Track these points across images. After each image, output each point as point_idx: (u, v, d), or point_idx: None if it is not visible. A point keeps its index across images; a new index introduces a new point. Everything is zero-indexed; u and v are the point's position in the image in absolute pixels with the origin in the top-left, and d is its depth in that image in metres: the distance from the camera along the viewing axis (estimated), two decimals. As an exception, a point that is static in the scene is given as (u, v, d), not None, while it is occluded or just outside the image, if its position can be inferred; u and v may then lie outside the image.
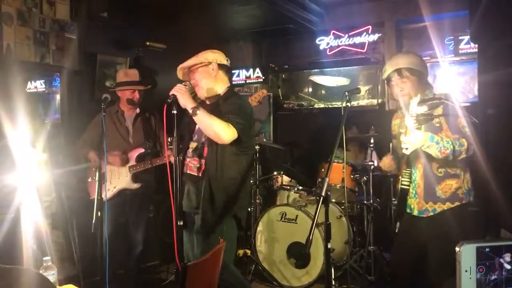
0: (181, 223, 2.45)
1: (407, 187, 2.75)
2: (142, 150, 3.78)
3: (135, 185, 3.74)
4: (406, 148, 2.52)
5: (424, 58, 5.01)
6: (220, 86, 2.87)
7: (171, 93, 2.57)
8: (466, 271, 1.17)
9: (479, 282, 1.17)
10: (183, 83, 2.68)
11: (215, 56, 2.84)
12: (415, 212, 2.74)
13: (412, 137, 2.49)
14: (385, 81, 2.88)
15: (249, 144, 2.83)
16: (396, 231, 2.93)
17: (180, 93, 2.56)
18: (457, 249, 1.18)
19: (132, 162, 3.75)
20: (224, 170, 2.76)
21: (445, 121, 2.62)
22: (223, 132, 2.59)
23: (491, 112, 3.26)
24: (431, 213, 2.69)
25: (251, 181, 3.03)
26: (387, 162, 3.06)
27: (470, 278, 1.17)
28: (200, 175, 2.82)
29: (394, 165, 3.02)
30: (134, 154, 3.77)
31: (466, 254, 1.16)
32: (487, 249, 1.17)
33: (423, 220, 2.72)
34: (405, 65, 2.75)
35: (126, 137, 3.82)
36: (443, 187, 2.66)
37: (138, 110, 3.89)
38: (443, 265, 2.56)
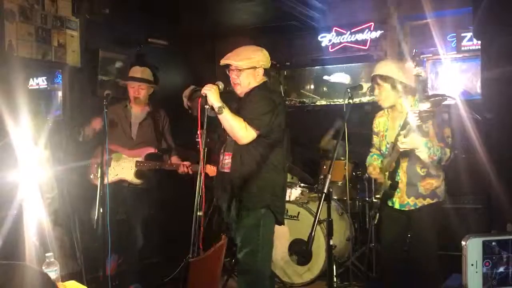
0: (201, 213, 2.52)
1: (396, 182, 2.95)
2: (154, 150, 3.78)
3: (137, 181, 3.75)
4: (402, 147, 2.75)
5: (426, 55, 5.09)
6: (255, 84, 2.95)
7: (202, 92, 2.70)
8: (472, 265, 1.16)
9: (485, 276, 1.17)
10: (215, 83, 2.76)
11: (264, 62, 2.94)
12: (396, 205, 2.96)
13: (410, 139, 2.69)
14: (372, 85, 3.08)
15: (271, 136, 2.86)
16: (375, 222, 3.21)
17: (211, 91, 2.68)
18: (463, 243, 1.17)
19: (141, 157, 3.75)
20: (246, 163, 2.87)
21: (432, 128, 2.80)
22: (242, 134, 2.75)
23: (490, 117, 3.28)
24: (412, 207, 2.92)
25: (283, 174, 3.04)
26: (377, 170, 3.13)
27: (476, 272, 1.16)
28: (228, 170, 2.94)
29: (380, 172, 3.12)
30: (144, 151, 3.76)
31: (472, 248, 1.16)
32: (493, 243, 1.16)
33: (404, 213, 2.95)
34: (378, 72, 2.97)
35: (127, 133, 3.82)
36: (424, 184, 2.90)
37: (148, 109, 3.88)
38: (427, 255, 2.88)
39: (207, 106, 2.64)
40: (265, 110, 2.80)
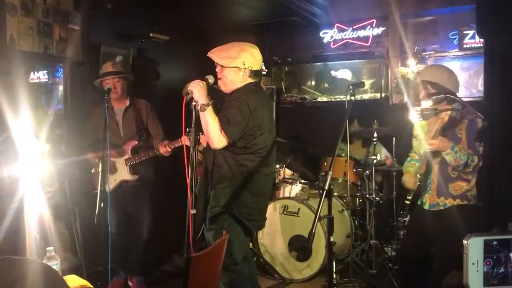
0: (194, 211, 2.51)
1: (426, 186, 2.99)
2: (136, 142, 3.82)
3: (133, 177, 3.80)
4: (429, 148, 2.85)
5: (428, 53, 5.08)
6: (241, 84, 2.89)
7: (188, 89, 2.67)
8: (473, 264, 1.16)
9: (486, 275, 1.17)
10: (205, 77, 2.74)
11: (251, 63, 2.84)
12: (426, 206, 2.99)
13: (439, 141, 2.81)
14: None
15: (247, 144, 2.82)
16: (406, 223, 3.10)
17: (197, 88, 2.66)
18: (464, 242, 1.17)
19: (128, 154, 3.79)
20: (216, 165, 2.85)
21: (465, 134, 2.89)
22: (215, 139, 2.73)
23: (485, 124, 3.29)
24: (442, 207, 2.94)
25: (259, 179, 2.94)
26: (411, 181, 3.17)
27: (477, 271, 1.16)
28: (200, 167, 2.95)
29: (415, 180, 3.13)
30: (128, 146, 3.81)
31: (474, 247, 1.16)
32: (494, 242, 1.16)
33: (433, 214, 2.96)
34: (430, 78, 2.99)
35: (116, 131, 3.84)
36: (455, 186, 2.93)
37: (128, 103, 3.89)
38: (449, 255, 2.72)
39: (194, 103, 2.62)
40: (238, 119, 2.75)
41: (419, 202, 3.04)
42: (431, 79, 2.97)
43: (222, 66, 2.84)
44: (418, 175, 3.04)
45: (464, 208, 2.90)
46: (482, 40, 4.31)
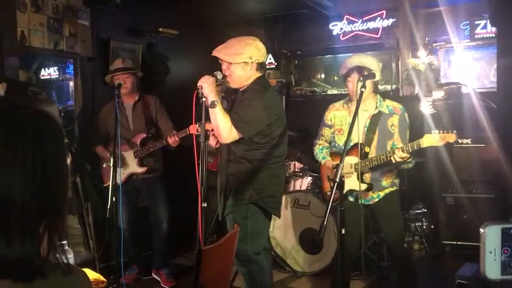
0: (205, 204, 2.52)
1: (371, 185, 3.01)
2: (144, 135, 3.85)
3: (141, 169, 3.83)
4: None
5: (439, 43, 5.03)
6: (249, 79, 2.88)
7: (198, 84, 2.65)
8: (490, 252, 1.15)
9: (503, 264, 1.15)
10: (214, 73, 2.73)
11: (257, 55, 2.84)
12: (362, 201, 3.03)
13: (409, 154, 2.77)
14: (342, 77, 3.05)
15: (263, 139, 2.83)
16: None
17: (206, 84, 2.64)
18: (481, 230, 1.16)
19: (137, 147, 3.81)
20: (233, 160, 2.86)
21: (398, 130, 2.97)
22: (224, 135, 2.74)
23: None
24: (376, 199, 3.06)
25: (277, 169, 2.99)
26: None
27: (495, 259, 1.15)
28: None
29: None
30: (137, 139, 3.83)
31: (491, 235, 1.14)
32: (512, 231, 1.15)
33: (365, 206, 3.04)
34: (366, 64, 2.94)
35: (126, 126, 3.87)
36: (386, 178, 3.04)
37: (137, 98, 3.92)
38: (401, 236, 3.25)
39: (204, 99, 2.61)
40: (253, 117, 2.75)
41: (351, 199, 3.08)
42: (368, 65, 2.93)
43: (230, 63, 2.81)
44: (355, 173, 3.00)
45: (394, 194, 3.07)
46: (494, 30, 4.27)
